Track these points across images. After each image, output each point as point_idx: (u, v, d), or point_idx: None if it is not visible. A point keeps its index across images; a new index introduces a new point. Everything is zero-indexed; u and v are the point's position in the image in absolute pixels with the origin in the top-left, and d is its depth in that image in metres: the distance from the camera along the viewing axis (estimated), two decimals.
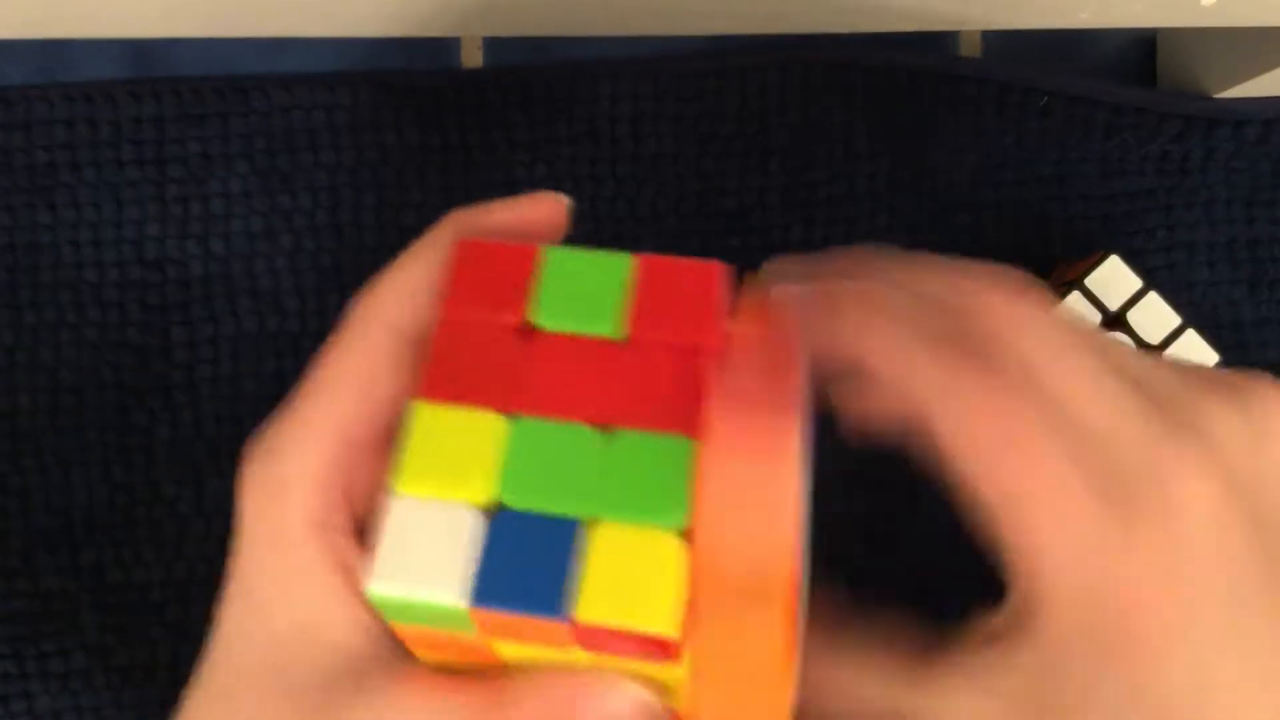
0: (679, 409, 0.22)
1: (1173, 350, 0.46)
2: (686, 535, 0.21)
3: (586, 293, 0.24)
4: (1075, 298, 0.46)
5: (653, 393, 0.22)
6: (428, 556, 0.22)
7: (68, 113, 0.48)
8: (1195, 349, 0.46)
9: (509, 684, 0.23)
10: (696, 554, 0.21)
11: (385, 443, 0.25)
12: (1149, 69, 0.53)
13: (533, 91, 0.49)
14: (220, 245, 0.49)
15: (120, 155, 0.48)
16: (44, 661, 0.48)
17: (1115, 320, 0.46)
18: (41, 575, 0.48)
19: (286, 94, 0.49)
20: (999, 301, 0.22)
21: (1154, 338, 0.46)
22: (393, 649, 0.25)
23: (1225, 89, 0.50)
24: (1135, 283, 0.46)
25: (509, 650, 0.23)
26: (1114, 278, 0.46)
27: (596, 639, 0.21)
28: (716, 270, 0.24)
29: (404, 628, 0.24)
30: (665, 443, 0.22)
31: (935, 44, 0.52)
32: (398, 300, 0.26)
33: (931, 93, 0.50)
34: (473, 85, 0.49)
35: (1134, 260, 0.46)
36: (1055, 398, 0.21)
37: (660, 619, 0.21)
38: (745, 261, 0.27)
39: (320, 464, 0.25)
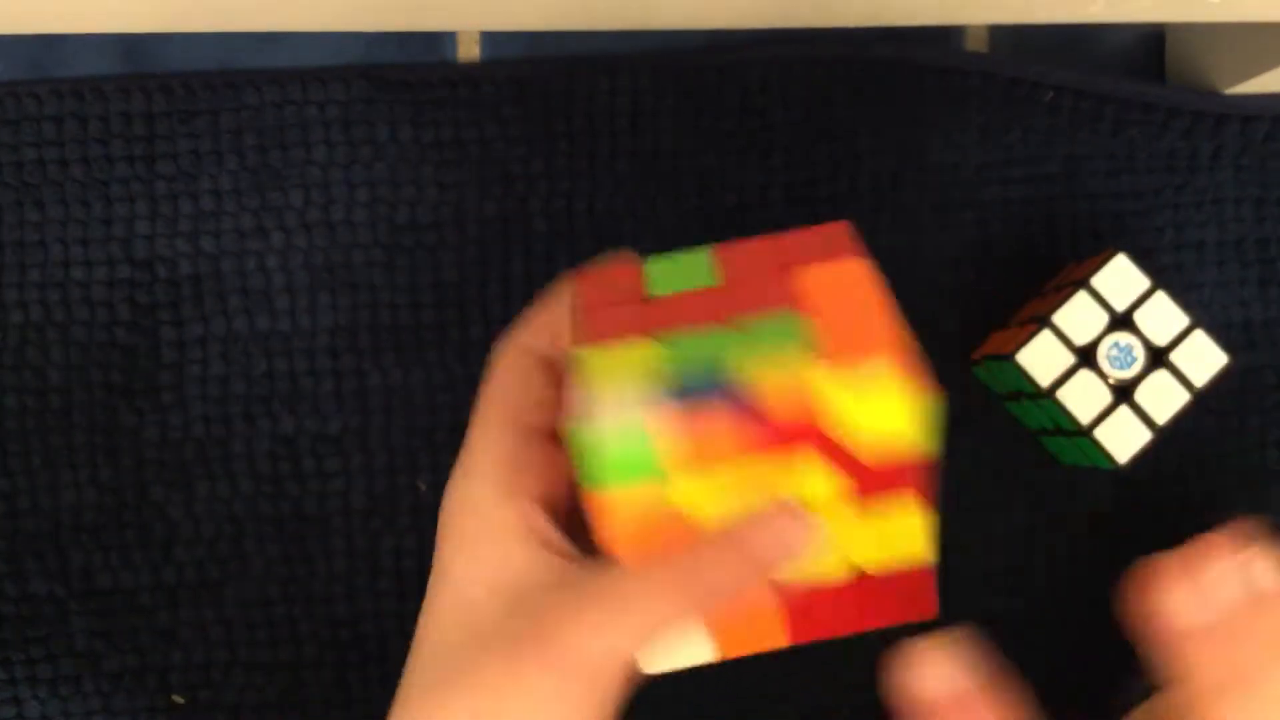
0: (779, 296, 0.30)
1: (1181, 350, 0.46)
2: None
3: (687, 271, 0.31)
4: (1082, 297, 0.45)
5: (755, 296, 0.30)
6: (617, 401, 0.28)
7: (56, 109, 0.48)
8: (1204, 349, 0.46)
9: (699, 546, 0.28)
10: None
11: (550, 432, 0.31)
12: (1158, 65, 0.53)
13: (529, 86, 0.49)
14: (210, 243, 0.48)
15: (109, 152, 0.48)
16: (32, 667, 0.47)
17: (1123, 320, 0.46)
18: (29, 579, 0.47)
19: (278, 89, 0.48)
20: None
21: (1162, 338, 0.46)
22: (578, 569, 0.29)
23: (1235, 85, 0.50)
24: (1143, 282, 0.46)
25: (695, 496, 0.29)
26: (1122, 277, 0.45)
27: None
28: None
29: (603, 500, 0.29)
30: (778, 316, 0.30)
31: (942, 39, 0.52)
32: (530, 332, 0.32)
33: (936, 88, 0.49)
34: (467, 80, 0.49)
35: (1142, 259, 0.46)
36: None
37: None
38: None
39: (499, 449, 0.30)
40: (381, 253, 0.49)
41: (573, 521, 0.31)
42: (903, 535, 0.31)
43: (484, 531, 0.30)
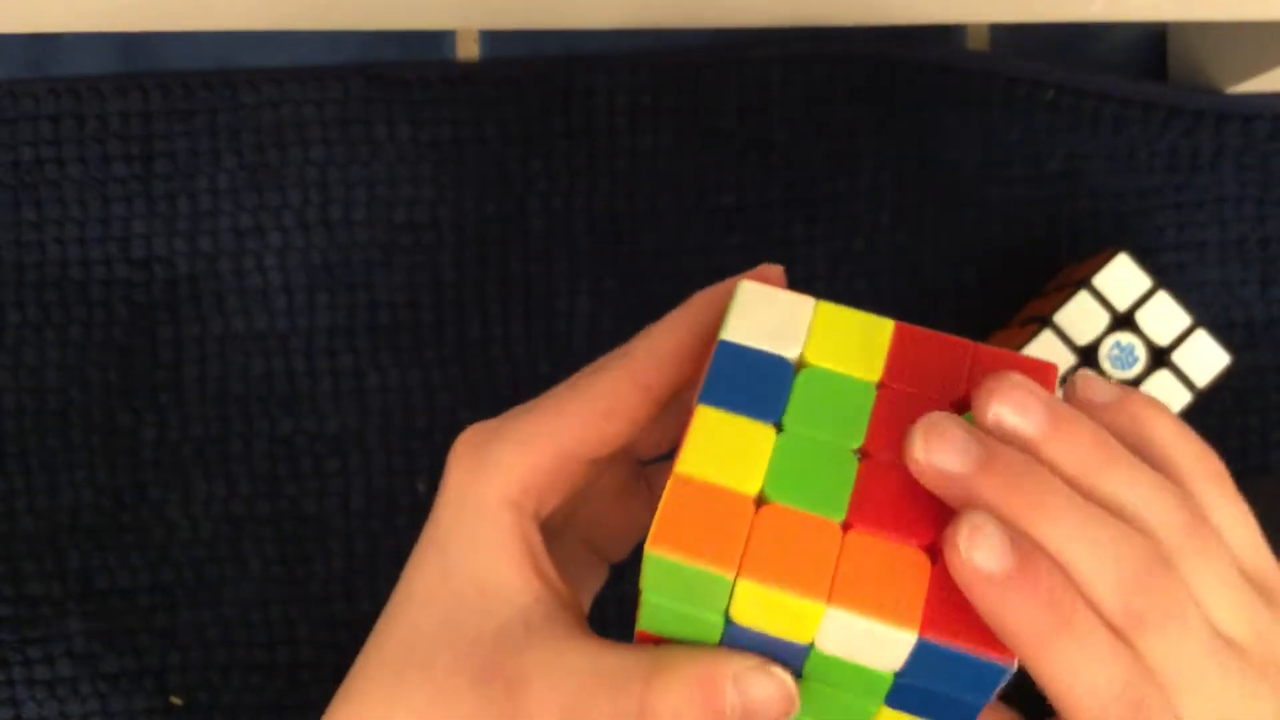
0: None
1: (1183, 350, 0.45)
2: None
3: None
4: (1084, 297, 0.45)
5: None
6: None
7: (54, 108, 0.48)
8: (1206, 349, 0.45)
9: (665, 654, 0.27)
10: None
11: (590, 465, 0.30)
12: (1159, 64, 0.52)
13: (527, 84, 0.49)
14: (208, 243, 0.48)
15: (107, 151, 0.48)
16: (30, 669, 0.47)
17: (1124, 320, 0.45)
18: (26, 581, 0.47)
19: (276, 88, 0.48)
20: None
21: (1164, 338, 0.45)
22: (558, 614, 0.29)
23: (1236, 84, 0.50)
24: (1145, 281, 0.45)
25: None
26: (1123, 276, 0.45)
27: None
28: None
29: (651, 603, 0.26)
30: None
31: (942, 39, 0.51)
32: (650, 361, 0.30)
33: (936, 87, 0.49)
34: (465, 78, 0.48)
35: (1143, 259, 0.46)
36: None
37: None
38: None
39: (532, 460, 0.29)
40: (380, 252, 0.48)
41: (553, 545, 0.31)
42: None
43: (488, 531, 0.30)
